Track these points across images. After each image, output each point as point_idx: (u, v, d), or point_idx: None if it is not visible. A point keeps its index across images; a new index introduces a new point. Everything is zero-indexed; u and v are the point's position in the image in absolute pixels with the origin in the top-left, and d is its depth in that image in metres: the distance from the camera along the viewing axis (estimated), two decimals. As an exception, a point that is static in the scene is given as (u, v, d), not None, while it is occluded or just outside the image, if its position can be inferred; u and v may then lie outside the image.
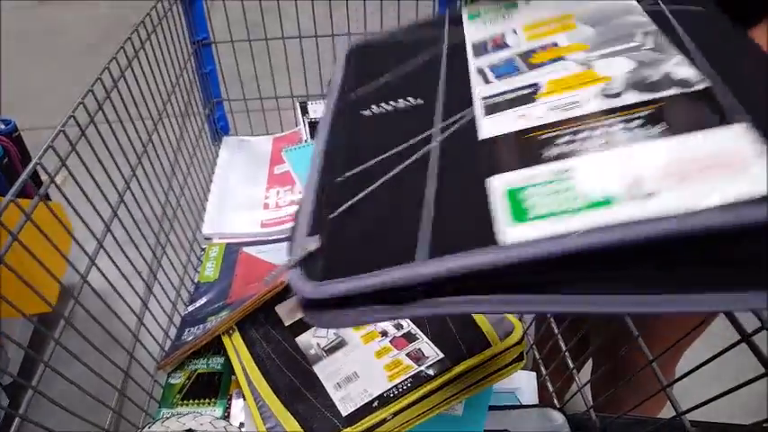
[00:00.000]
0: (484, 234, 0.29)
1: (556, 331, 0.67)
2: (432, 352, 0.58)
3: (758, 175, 0.26)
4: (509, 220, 0.29)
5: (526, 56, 0.43)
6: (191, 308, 0.79)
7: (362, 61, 0.52)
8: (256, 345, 0.64)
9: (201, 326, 0.73)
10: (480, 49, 0.47)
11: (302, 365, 0.60)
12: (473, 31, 0.50)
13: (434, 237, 0.30)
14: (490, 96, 0.40)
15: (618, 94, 0.34)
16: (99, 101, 0.61)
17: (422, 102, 0.42)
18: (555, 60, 0.41)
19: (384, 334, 0.61)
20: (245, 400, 0.61)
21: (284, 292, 0.68)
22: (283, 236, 0.88)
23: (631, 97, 0.34)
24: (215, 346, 0.72)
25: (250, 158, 1.03)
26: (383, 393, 0.54)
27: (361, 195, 0.35)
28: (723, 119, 0.29)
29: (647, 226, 0.25)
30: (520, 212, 0.29)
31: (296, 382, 0.58)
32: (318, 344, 0.62)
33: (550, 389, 0.70)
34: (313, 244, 0.32)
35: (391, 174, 0.36)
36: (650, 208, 0.26)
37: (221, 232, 0.90)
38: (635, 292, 0.27)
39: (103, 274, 0.60)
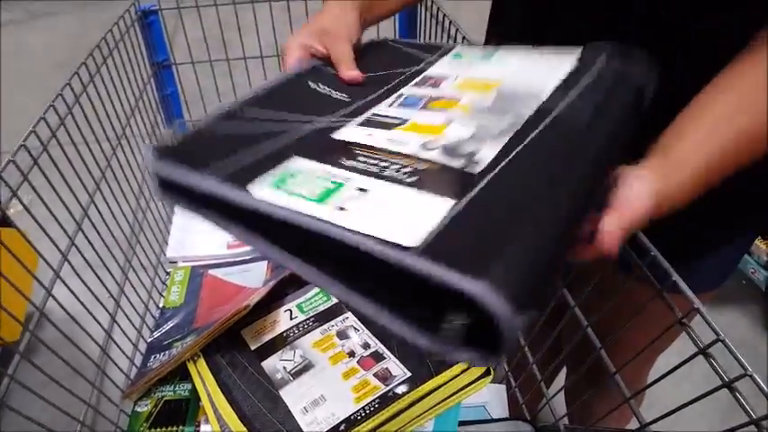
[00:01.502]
0: (244, 182, 0.37)
1: (523, 343, 0.68)
2: (399, 371, 0.57)
3: (420, 233, 0.31)
4: (270, 183, 0.37)
5: (434, 100, 0.49)
6: (156, 334, 0.78)
7: (370, 50, 0.61)
8: (222, 371, 0.63)
9: (167, 352, 0.72)
10: (424, 81, 0.53)
11: (268, 390, 0.59)
12: (440, 66, 0.56)
13: (235, 171, 0.38)
14: (378, 115, 0.48)
15: (429, 149, 0.41)
16: (52, 128, 0.60)
17: (347, 98, 0.51)
18: (441, 110, 0.47)
19: (351, 354, 0.61)
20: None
21: (249, 316, 0.67)
22: (249, 257, 0.87)
23: (433, 154, 0.40)
24: (182, 372, 0.71)
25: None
26: (350, 416, 0.54)
27: (238, 128, 0.44)
28: (454, 195, 0.35)
29: (322, 225, 0.33)
30: (281, 183, 0.37)
31: (262, 408, 0.57)
32: (285, 367, 0.61)
33: (520, 401, 0.70)
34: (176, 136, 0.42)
35: (268, 129, 0.44)
36: (334, 216, 0.33)
37: (186, 255, 0.88)
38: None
39: (62, 306, 0.59)
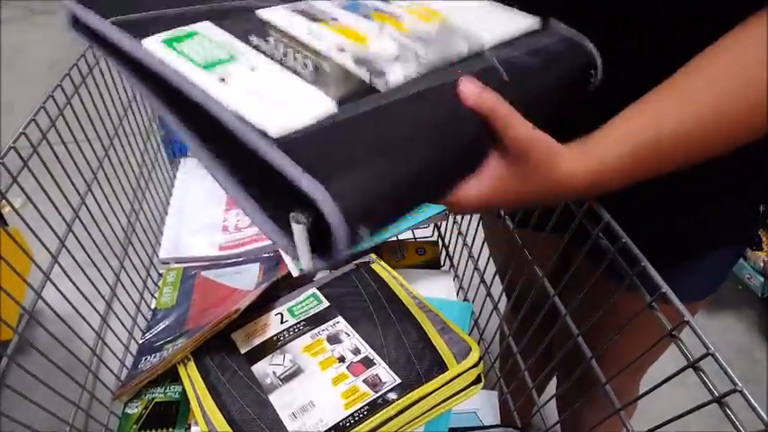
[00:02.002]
0: (139, 33, 0.37)
1: (515, 350, 0.67)
2: (389, 377, 0.57)
3: (288, 126, 0.31)
4: (165, 39, 0.37)
5: (378, 11, 0.47)
6: (148, 335, 0.77)
7: None
8: (211, 374, 0.62)
9: (158, 354, 0.72)
10: None
11: (257, 395, 0.58)
12: None
13: (135, 20, 0.39)
14: (314, 7, 0.46)
15: (343, 52, 0.40)
16: (43, 129, 0.60)
17: None
18: (378, 22, 0.45)
19: (341, 360, 0.60)
20: (201, 431, 0.60)
21: (240, 319, 0.67)
22: (242, 259, 0.86)
23: (344, 58, 0.39)
24: (172, 374, 0.70)
25: (208, 180, 1.01)
26: (339, 423, 0.53)
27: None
28: (340, 101, 0.35)
29: (195, 90, 0.33)
30: (176, 41, 0.37)
31: (250, 413, 0.56)
32: (274, 372, 0.61)
33: (512, 408, 0.69)
34: None
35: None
36: (212, 86, 0.33)
37: (178, 256, 0.88)
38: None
39: (51, 308, 0.59)
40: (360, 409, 0.54)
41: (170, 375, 0.70)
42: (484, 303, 0.75)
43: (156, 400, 0.69)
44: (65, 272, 0.62)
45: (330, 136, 0.33)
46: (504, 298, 0.81)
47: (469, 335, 0.64)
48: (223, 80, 0.34)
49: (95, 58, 0.73)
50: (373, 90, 0.37)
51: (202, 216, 0.94)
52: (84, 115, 0.70)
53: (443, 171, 0.38)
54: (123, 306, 0.77)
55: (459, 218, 0.85)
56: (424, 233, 0.94)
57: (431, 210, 0.83)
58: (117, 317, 0.74)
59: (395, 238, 0.89)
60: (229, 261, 0.87)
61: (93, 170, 0.71)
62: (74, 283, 0.63)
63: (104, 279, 0.73)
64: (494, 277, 0.75)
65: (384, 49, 0.41)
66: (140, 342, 0.77)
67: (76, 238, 0.66)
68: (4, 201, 0.53)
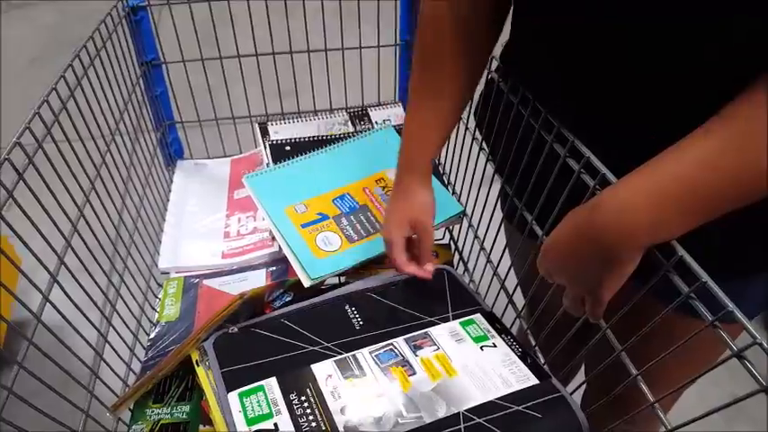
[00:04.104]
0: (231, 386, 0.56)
1: (542, 362, 0.64)
2: None
3: None
4: (240, 392, 0.55)
5: (398, 365, 0.58)
6: (151, 352, 0.73)
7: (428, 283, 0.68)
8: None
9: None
10: (417, 338, 0.62)
11: None
12: (444, 330, 0.63)
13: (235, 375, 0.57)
14: (355, 358, 0.59)
15: (346, 427, 0.52)
16: (37, 136, 0.55)
17: (359, 326, 0.64)
18: (390, 378, 0.57)
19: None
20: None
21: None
22: (246, 265, 0.82)
23: (341, 419, 0.53)
24: (180, 394, 0.68)
25: (207, 183, 0.96)
26: None
27: (270, 342, 0.60)
28: None
29: None
30: (246, 395, 0.54)
31: None
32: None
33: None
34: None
35: (283, 347, 0.60)
36: None
37: (179, 266, 0.83)
38: None
39: (49, 329, 0.54)
40: None
41: (177, 395, 0.67)
42: (505, 310, 0.72)
43: (162, 421, 0.66)
44: (59, 284, 0.57)
45: None
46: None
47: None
48: None
49: (90, 59, 0.68)
50: None
51: (203, 222, 0.90)
52: (80, 120, 0.65)
53: None
54: (124, 322, 0.72)
55: (474, 221, 0.81)
56: (436, 235, 0.90)
57: (447, 211, 0.80)
58: (119, 334, 0.69)
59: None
60: (233, 268, 0.83)
61: (92, 179, 0.66)
62: (68, 296, 0.58)
63: (101, 290, 0.67)
64: (516, 289, 0.72)
65: (373, 413, 0.53)
66: (143, 359, 0.73)
67: (73, 250, 0.61)
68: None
